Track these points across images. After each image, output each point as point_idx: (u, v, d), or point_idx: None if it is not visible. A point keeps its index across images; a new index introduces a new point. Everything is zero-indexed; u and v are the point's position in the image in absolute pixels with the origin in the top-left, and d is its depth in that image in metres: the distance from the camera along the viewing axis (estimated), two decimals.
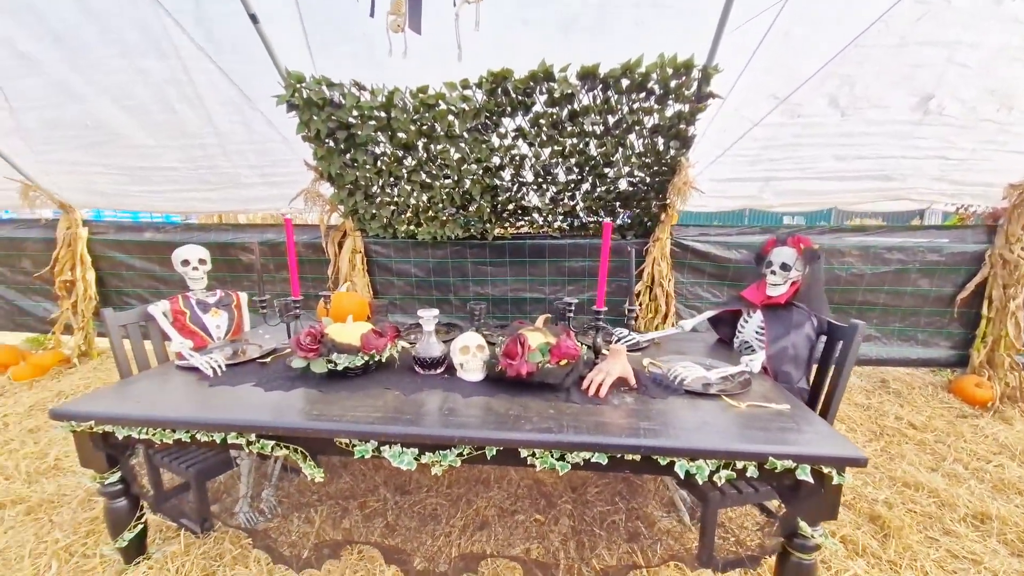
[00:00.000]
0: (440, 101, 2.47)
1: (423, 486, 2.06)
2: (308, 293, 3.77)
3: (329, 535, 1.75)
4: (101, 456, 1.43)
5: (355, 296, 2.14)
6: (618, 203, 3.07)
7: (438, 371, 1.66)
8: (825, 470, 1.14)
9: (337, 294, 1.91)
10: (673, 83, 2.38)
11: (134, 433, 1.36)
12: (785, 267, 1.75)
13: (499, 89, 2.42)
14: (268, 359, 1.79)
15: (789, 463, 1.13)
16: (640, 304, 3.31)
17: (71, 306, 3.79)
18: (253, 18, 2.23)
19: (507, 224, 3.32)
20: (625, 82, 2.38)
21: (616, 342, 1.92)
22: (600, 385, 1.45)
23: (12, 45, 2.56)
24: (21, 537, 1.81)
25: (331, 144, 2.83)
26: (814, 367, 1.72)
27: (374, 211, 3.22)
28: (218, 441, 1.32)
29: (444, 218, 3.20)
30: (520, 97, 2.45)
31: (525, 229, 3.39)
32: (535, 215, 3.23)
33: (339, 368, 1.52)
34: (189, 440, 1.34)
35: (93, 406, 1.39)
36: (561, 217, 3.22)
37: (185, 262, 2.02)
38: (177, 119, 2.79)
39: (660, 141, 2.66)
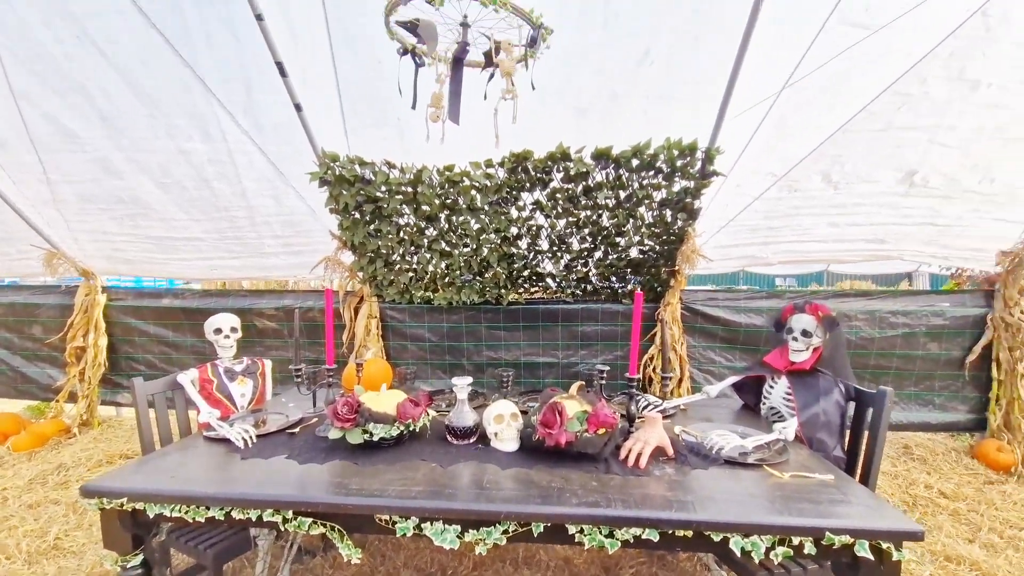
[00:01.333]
0: (465, 178, 2.65)
1: (447, 568, 1.95)
2: (320, 358, 3.77)
3: None
4: (127, 536, 1.37)
5: (381, 363, 2.16)
6: (629, 270, 3.19)
7: (471, 440, 1.64)
8: (884, 545, 1.11)
9: (369, 361, 1.93)
10: (679, 163, 2.58)
11: (166, 511, 1.31)
12: (806, 334, 1.80)
13: (519, 168, 2.62)
14: (296, 429, 1.77)
15: (846, 538, 1.11)
16: (654, 368, 3.32)
17: (79, 373, 3.74)
18: (298, 107, 2.46)
19: (521, 290, 3.41)
20: (635, 162, 2.59)
21: (644, 409, 1.92)
22: (640, 455, 1.44)
23: (58, 122, 2.77)
24: None
25: (357, 216, 2.99)
26: (847, 434, 1.72)
27: (392, 277, 3.32)
28: (254, 519, 1.28)
29: (460, 284, 3.30)
30: (539, 174, 2.65)
31: (539, 294, 3.48)
32: (549, 281, 3.33)
33: (375, 439, 1.51)
34: (223, 518, 1.30)
35: (124, 482, 1.36)
36: (574, 283, 3.32)
37: (218, 330, 2.06)
38: (211, 194, 2.97)
39: (668, 213, 2.83)
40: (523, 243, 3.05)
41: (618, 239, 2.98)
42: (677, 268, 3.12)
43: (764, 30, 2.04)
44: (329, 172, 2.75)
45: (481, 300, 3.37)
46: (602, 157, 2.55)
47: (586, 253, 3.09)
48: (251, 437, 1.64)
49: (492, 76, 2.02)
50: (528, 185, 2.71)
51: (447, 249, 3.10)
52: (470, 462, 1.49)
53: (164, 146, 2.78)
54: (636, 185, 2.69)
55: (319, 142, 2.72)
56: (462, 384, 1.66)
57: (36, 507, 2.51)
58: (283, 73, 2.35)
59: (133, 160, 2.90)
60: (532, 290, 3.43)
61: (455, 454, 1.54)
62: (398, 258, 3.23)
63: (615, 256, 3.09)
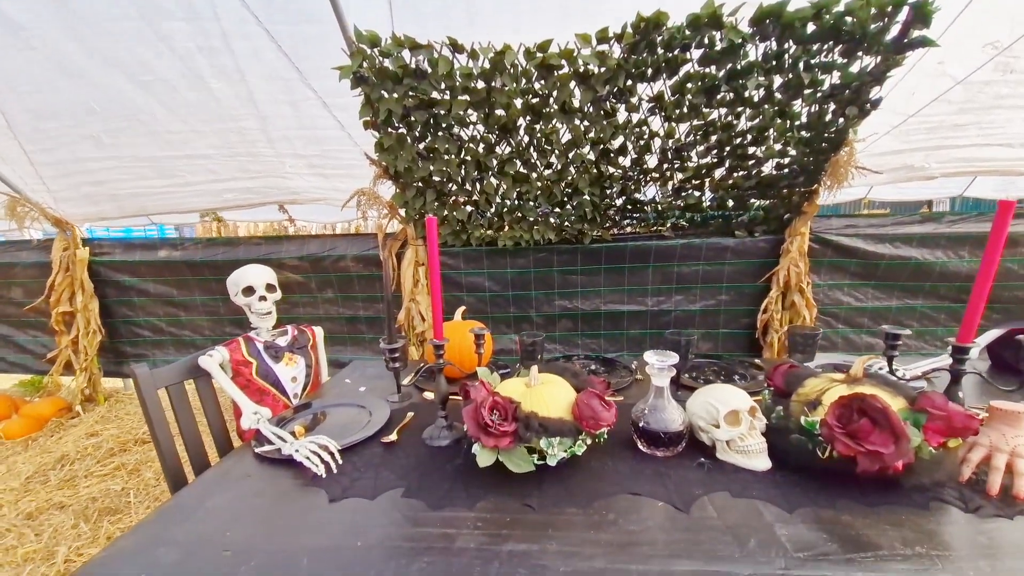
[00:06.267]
0: (565, 61, 1.86)
1: None
2: (357, 316, 3.17)
3: None
4: None
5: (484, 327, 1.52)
6: (755, 191, 2.48)
7: (677, 449, 1.04)
8: None
9: (463, 326, 1.29)
10: (872, 27, 1.80)
11: None
12: None
13: (644, 42, 1.83)
14: (394, 435, 1.17)
15: None
16: (770, 315, 2.72)
17: (71, 343, 3.14)
18: None
19: (608, 224, 2.72)
20: (811, 27, 1.80)
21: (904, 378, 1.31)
22: (1019, 477, 0.84)
23: None
24: None
25: (403, 130, 2.24)
26: None
27: (445, 214, 2.62)
28: None
29: (535, 219, 2.60)
30: (669, 53, 1.86)
31: (630, 229, 2.80)
32: (647, 210, 2.64)
33: (552, 463, 0.91)
34: None
35: (141, 569, 0.77)
36: (679, 212, 2.63)
37: (249, 290, 1.41)
38: (210, 97, 2.18)
39: (831, 109, 2.08)
40: (626, 159, 2.32)
41: (753, 149, 2.25)
42: (815, 187, 2.42)
43: None
44: (366, 64, 1.96)
45: (558, 239, 2.70)
46: (766, 20, 1.76)
47: (705, 171, 2.36)
48: (334, 457, 1.04)
49: None
50: (651, 72, 1.93)
51: (523, 172, 2.37)
52: (717, 495, 0.90)
53: (136, 29, 1.96)
54: (802, 66, 1.91)
55: (351, 19, 1.91)
56: (658, 364, 1.04)
57: (36, 516, 2.00)
58: None
59: (97, 52, 2.08)
60: (624, 223, 2.75)
61: (678, 480, 0.95)
62: (455, 187, 2.50)
63: (742, 173, 2.37)
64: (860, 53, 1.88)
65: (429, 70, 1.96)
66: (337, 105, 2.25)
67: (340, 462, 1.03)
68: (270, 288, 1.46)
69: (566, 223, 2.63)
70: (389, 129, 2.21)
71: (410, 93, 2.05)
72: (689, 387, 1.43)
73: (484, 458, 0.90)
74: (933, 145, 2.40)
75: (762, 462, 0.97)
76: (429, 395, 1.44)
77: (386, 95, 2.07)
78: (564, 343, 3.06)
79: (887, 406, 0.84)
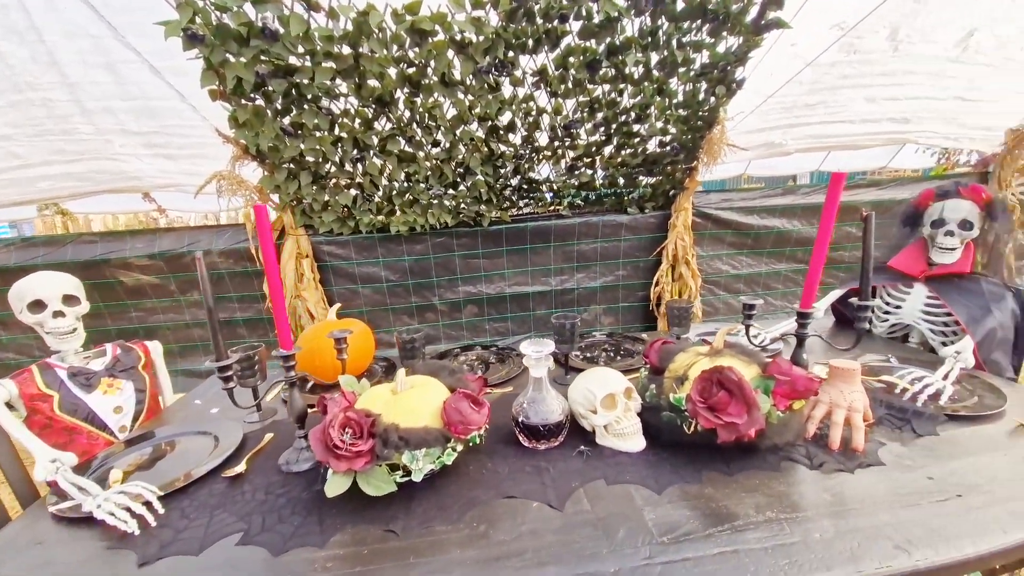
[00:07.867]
0: (438, 26, 1.70)
1: None
2: (233, 319, 2.79)
3: None
4: None
5: (357, 327, 1.37)
6: (642, 169, 2.56)
7: (557, 441, 1.01)
8: None
9: (335, 324, 1.13)
10: (734, 7, 1.88)
11: None
12: (967, 225, 1.36)
13: (521, 11, 1.73)
14: (242, 467, 0.99)
15: None
16: (661, 287, 2.88)
17: None
18: None
19: (506, 204, 2.65)
20: (681, 4, 1.83)
21: (761, 344, 1.40)
22: (854, 432, 0.92)
23: None
24: None
25: (260, 102, 1.93)
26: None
27: (326, 199, 2.36)
28: None
29: (428, 201, 2.45)
30: (548, 24, 1.79)
31: (528, 209, 2.75)
32: (543, 189, 2.60)
33: (418, 478, 0.81)
34: None
35: None
36: (574, 191, 2.63)
37: (36, 305, 1.10)
38: (2, 64, 1.67)
39: (703, 88, 2.18)
40: (516, 137, 2.24)
41: (637, 127, 2.29)
42: (695, 164, 2.56)
43: None
44: (199, 19, 1.63)
45: (455, 222, 2.58)
46: None
47: (595, 149, 2.37)
48: (153, 505, 0.84)
49: None
50: (531, 43, 1.84)
51: (408, 150, 2.19)
52: (592, 484, 0.87)
53: None
54: (675, 43, 1.96)
55: None
56: (533, 355, 0.98)
57: None
58: None
59: None
60: (522, 204, 2.69)
61: (557, 473, 0.90)
62: (333, 168, 2.25)
63: (629, 151, 2.42)
64: (725, 33, 1.97)
65: (281, 30, 1.69)
66: (172, 69, 1.86)
67: (161, 511, 0.84)
68: (70, 300, 1.15)
69: (462, 205, 2.51)
70: (243, 100, 1.90)
71: (262, 57, 1.75)
72: (579, 369, 1.41)
73: (334, 486, 0.77)
74: (789, 123, 2.65)
75: (637, 443, 0.96)
76: None
77: (232, 59, 1.75)
78: (471, 329, 2.98)
79: (741, 377, 0.85)
